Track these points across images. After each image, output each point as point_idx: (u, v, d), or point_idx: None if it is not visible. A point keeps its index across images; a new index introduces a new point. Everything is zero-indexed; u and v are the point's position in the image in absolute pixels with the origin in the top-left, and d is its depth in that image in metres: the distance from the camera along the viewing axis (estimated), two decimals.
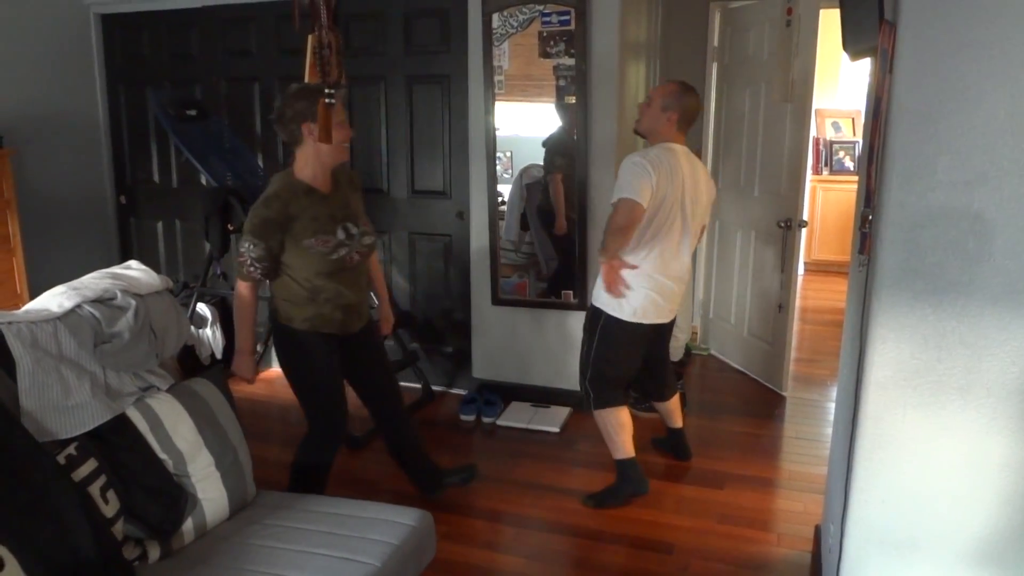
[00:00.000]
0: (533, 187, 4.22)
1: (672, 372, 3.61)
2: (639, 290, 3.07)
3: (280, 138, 4.72)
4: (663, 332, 3.33)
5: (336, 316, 2.79)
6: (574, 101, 3.88)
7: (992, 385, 1.77)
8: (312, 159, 2.69)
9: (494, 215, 4.13)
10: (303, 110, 2.64)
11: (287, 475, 2.97)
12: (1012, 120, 1.66)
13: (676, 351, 4.98)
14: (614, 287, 3.06)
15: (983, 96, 1.67)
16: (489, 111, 4.00)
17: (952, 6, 1.67)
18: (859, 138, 7.36)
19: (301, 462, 2.91)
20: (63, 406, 2.02)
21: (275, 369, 4.90)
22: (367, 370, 3.01)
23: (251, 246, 2.61)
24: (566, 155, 4.00)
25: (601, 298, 3.14)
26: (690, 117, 3.11)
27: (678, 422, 3.65)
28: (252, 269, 2.64)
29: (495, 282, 4.22)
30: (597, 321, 3.17)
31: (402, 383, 4.31)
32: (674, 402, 3.60)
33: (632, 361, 3.27)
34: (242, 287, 2.69)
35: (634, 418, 3.98)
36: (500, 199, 4.16)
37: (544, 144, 4.11)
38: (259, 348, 4.86)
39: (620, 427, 3.23)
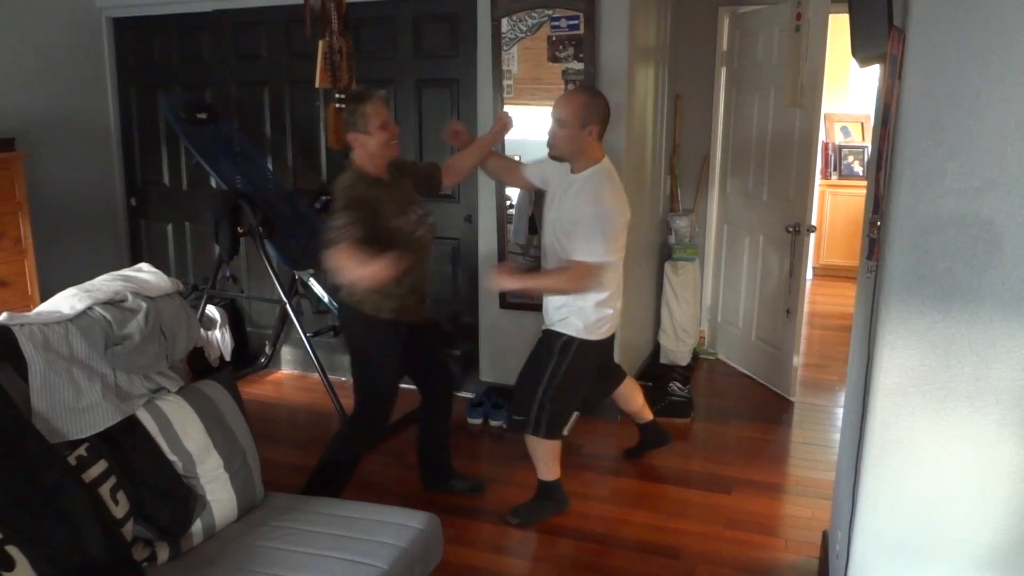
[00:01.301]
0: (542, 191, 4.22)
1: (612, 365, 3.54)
2: (605, 309, 2.99)
3: (289, 141, 4.74)
4: (613, 339, 3.27)
5: (412, 303, 2.93)
6: None
7: (1001, 392, 1.76)
8: (366, 159, 2.84)
9: (502, 219, 4.14)
10: (345, 120, 2.80)
11: (296, 477, 2.98)
12: (1022, 127, 1.65)
13: (683, 355, 4.98)
14: (500, 278, 2.96)
15: (993, 103, 1.67)
16: (497, 115, 4.00)
17: (962, 12, 1.67)
18: (868, 142, 7.34)
19: (332, 458, 2.98)
20: (74, 407, 2.04)
21: (284, 371, 4.92)
22: (426, 357, 3.15)
23: (345, 220, 2.64)
24: None
25: (573, 326, 2.99)
26: (606, 123, 2.93)
27: (648, 415, 3.62)
28: (348, 231, 2.61)
29: None
30: (569, 349, 3.01)
31: (410, 386, 4.33)
32: (637, 396, 3.55)
33: (588, 382, 3.19)
34: (340, 252, 2.60)
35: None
36: (508, 203, 4.16)
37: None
38: (267, 350, 4.89)
39: (555, 452, 3.18)
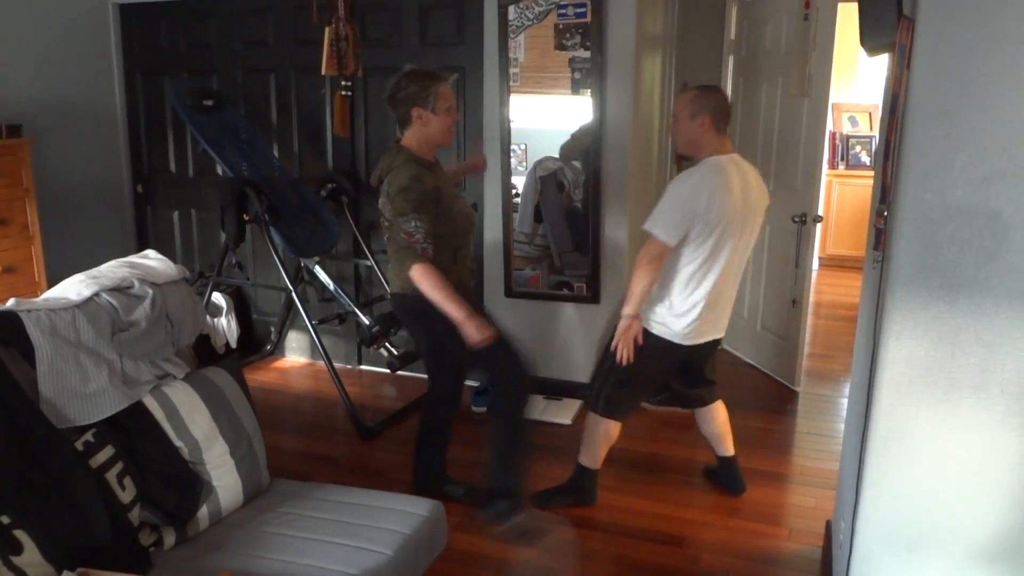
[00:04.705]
0: (547, 179, 4.22)
1: (708, 379, 3.30)
2: (692, 313, 2.89)
3: (295, 129, 4.73)
4: (713, 347, 3.10)
5: (465, 278, 2.96)
6: (589, 94, 3.88)
7: (1006, 384, 1.76)
8: (422, 140, 2.77)
9: (508, 207, 4.13)
10: (414, 94, 2.70)
11: (302, 464, 2.98)
12: None
13: None
14: (627, 350, 2.89)
15: (1002, 93, 1.65)
16: (504, 103, 4.00)
17: (972, 2, 1.65)
18: (876, 132, 7.31)
19: (425, 422, 3.13)
20: (81, 393, 2.05)
21: (289, 359, 4.94)
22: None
23: (418, 224, 2.67)
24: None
25: (647, 318, 2.94)
26: (722, 115, 2.90)
27: (729, 449, 3.32)
28: (427, 246, 2.69)
29: (508, 274, 4.23)
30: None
31: (415, 374, 4.34)
32: (723, 422, 3.31)
33: (661, 379, 3.14)
34: (422, 271, 2.69)
35: (644, 412, 3.95)
36: (514, 191, 4.16)
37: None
38: (273, 337, 4.90)
39: (607, 438, 3.13)
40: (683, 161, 3.05)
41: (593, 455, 3.16)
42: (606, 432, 3.12)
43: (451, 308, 2.69)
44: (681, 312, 2.89)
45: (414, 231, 2.66)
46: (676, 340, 2.93)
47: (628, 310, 2.89)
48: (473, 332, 2.69)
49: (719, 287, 2.90)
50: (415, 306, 2.83)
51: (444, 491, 3.20)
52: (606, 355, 3.05)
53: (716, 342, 3.08)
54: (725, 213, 2.78)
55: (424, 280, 2.69)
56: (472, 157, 3.25)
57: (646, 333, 2.94)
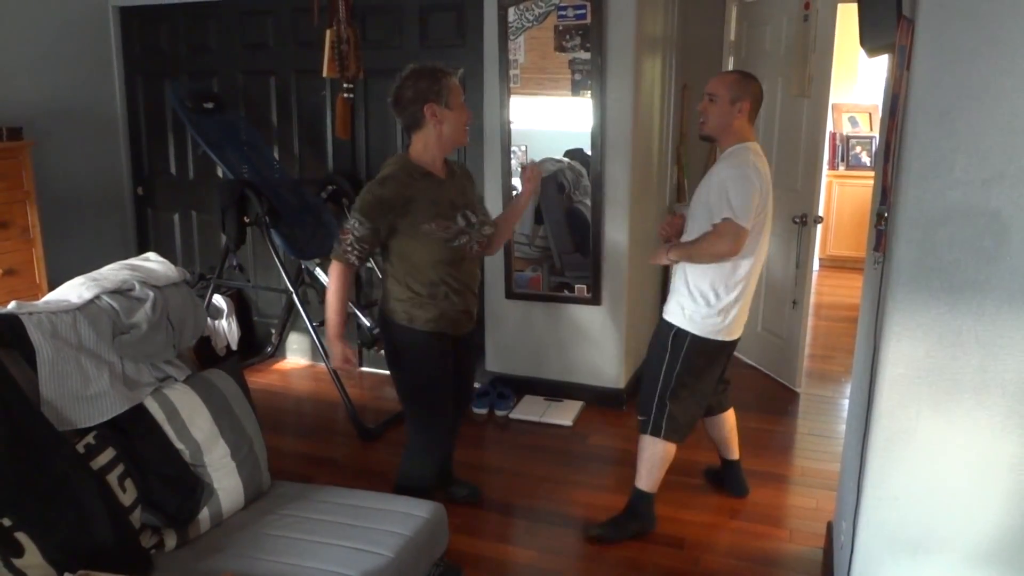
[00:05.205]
0: (548, 181, 4.22)
1: (725, 380, 3.22)
2: (734, 307, 2.83)
3: (295, 131, 4.74)
4: (736, 344, 3.03)
5: (455, 314, 2.66)
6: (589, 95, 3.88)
7: (1007, 384, 1.76)
8: (432, 142, 2.58)
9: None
10: (425, 90, 2.52)
11: (303, 465, 2.98)
12: None
13: None
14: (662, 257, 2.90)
15: (1002, 94, 1.66)
16: (504, 105, 4.00)
17: (972, 3, 1.65)
18: (876, 133, 7.31)
19: (404, 484, 2.75)
20: (82, 396, 2.05)
21: (290, 360, 4.94)
22: (457, 375, 2.82)
23: (357, 224, 2.49)
24: None
25: (684, 318, 2.85)
26: (758, 105, 2.85)
27: (735, 452, 3.33)
28: (349, 249, 2.51)
29: (509, 276, 4.23)
30: (681, 343, 2.86)
31: None
32: (731, 427, 3.29)
33: (713, 383, 3.01)
34: (335, 269, 2.56)
35: None
36: (514, 192, 4.16)
37: None
38: (274, 339, 4.90)
39: (664, 461, 2.97)
40: (711, 143, 2.97)
41: (653, 479, 2.99)
42: (665, 454, 2.96)
43: (331, 318, 2.57)
44: (725, 305, 2.82)
45: (351, 229, 2.51)
46: (721, 337, 2.87)
47: (675, 255, 2.84)
48: (335, 354, 2.62)
49: (754, 279, 2.89)
50: (384, 319, 2.71)
51: (448, 492, 3.19)
52: (652, 375, 2.95)
53: (739, 339, 3.01)
54: (768, 196, 2.78)
55: (331, 276, 2.58)
56: (514, 202, 2.99)
57: (693, 340, 2.85)
